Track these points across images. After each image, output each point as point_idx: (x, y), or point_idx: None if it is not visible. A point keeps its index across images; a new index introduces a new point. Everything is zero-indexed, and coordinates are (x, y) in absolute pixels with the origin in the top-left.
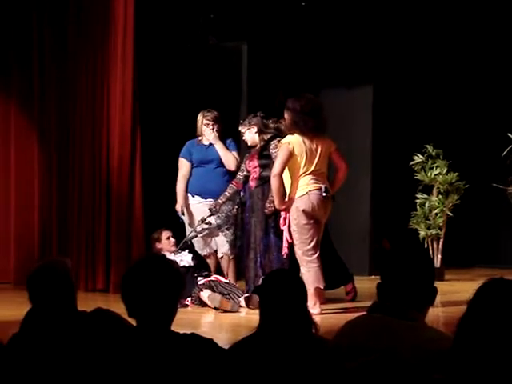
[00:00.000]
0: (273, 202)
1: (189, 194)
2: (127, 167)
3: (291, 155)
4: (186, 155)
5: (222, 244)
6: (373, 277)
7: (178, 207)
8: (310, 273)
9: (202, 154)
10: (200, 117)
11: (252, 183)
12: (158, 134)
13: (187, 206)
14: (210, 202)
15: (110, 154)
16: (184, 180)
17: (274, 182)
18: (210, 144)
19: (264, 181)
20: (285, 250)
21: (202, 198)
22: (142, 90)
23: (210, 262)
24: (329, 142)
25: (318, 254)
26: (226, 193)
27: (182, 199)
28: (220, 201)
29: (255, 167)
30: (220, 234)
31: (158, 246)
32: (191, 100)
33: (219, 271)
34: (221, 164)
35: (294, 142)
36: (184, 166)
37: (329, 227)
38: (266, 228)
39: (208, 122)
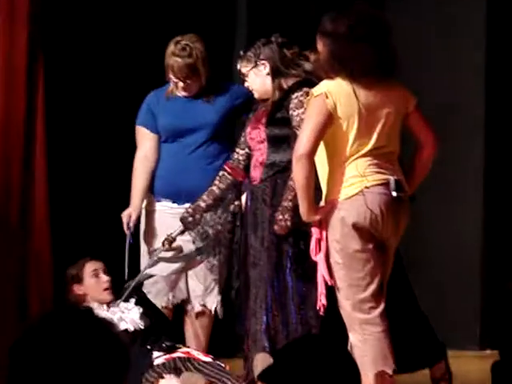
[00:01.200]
0: (291, 210)
1: (152, 196)
2: (19, 141)
3: (330, 119)
4: (146, 120)
5: (198, 287)
6: (487, 352)
7: (126, 216)
8: (367, 344)
9: (178, 117)
10: (171, 47)
11: (254, 173)
12: (85, 82)
13: (148, 214)
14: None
15: None
16: (144, 165)
17: (297, 171)
18: (191, 96)
19: (277, 169)
20: (321, 302)
21: (175, 202)
22: None
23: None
24: (404, 94)
25: (382, 308)
26: (214, 187)
27: (137, 201)
28: (202, 203)
29: (261, 141)
30: (198, 266)
31: (79, 290)
32: (156, 25)
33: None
34: (216, 136)
35: (336, 92)
36: (144, 139)
37: (403, 257)
38: (277, 260)
39: (180, 53)
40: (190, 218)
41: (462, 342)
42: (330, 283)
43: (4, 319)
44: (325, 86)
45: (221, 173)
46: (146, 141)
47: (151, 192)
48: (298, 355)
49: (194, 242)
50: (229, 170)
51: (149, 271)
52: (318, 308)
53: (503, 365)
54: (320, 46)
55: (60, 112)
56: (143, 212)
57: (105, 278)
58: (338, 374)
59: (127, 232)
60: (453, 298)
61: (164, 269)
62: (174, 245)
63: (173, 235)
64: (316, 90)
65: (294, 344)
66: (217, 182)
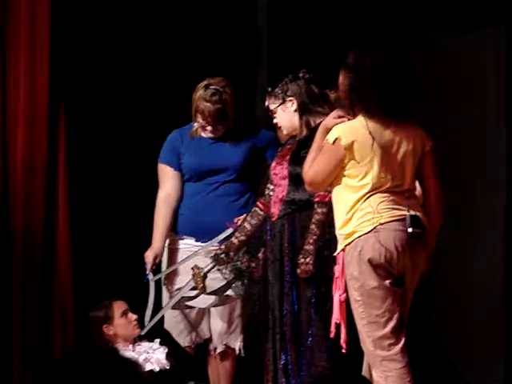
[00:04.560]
0: (313, 254)
1: (175, 235)
2: (41, 183)
3: (342, 163)
4: (170, 159)
5: (221, 326)
6: None
7: (150, 256)
8: (388, 381)
9: (203, 158)
10: (200, 92)
11: (274, 209)
12: (108, 124)
13: (171, 252)
14: (212, 248)
15: (8, 160)
16: (167, 205)
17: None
18: (216, 138)
19: (294, 207)
20: (332, 332)
21: (198, 240)
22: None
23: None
24: (420, 134)
25: (402, 344)
26: (245, 223)
27: (161, 242)
28: (234, 239)
29: (283, 177)
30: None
31: (110, 331)
32: (177, 65)
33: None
34: (239, 176)
35: (350, 133)
36: (167, 177)
37: (423, 294)
38: (297, 299)
39: (211, 99)
40: (223, 255)
41: (486, 379)
42: (337, 321)
43: (27, 357)
44: (337, 130)
45: (253, 209)
46: (169, 179)
47: (173, 230)
48: None
49: (225, 279)
50: (260, 206)
51: (190, 303)
52: (341, 345)
53: None
54: (341, 77)
55: (81, 151)
56: (165, 250)
57: (133, 316)
58: None
59: (150, 271)
60: (476, 334)
61: (202, 301)
62: (199, 284)
63: (204, 271)
64: (330, 137)
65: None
66: (248, 218)
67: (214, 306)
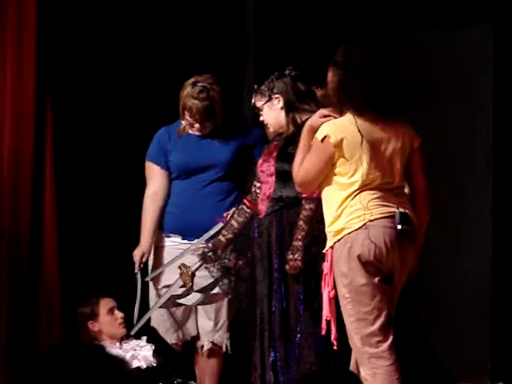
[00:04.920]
0: (301, 250)
1: (161, 232)
2: (28, 178)
3: (332, 160)
4: (157, 157)
5: (207, 324)
6: None
7: (138, 255)
8: (376, 379)
9: (191, 155)
10: (188, 89)
11: (261, 206)
12: (95, 120)
13: (157, 250)
14: (200, 246)
15: None
16: (154, 203)
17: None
18: (204, 135)
19: (282, 204)
20: (323, 329)
21: (184, 238)
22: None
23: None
24: (409, 132)
25: (390, 342)
26: (232, 221)
27: (148, 240)
28: (222, 237)
29: (270, 174)
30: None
31: (95, 327)
32: (164, 63)
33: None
34: (227, 174)
35: (339, 131)
36: (154, 176)
37: (411, 292)
38: (285, 295)
39: (199, 96)
40: (211, 253)
41: (473, 375)
42: (327, 318)
43: (12, 350)
44: (326, 128)
45: (240, 206)
46: (156, 177)
47: (160, 228)
48: None
49: (213, 277)
50: (247, 203)
51: (183, 301)
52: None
53: None
54: (330, 74)
55: (69, 146)
56: (152, 248)
57: (120, 314)
58: None
59: (138, 269)
60: (464, 331)
61: (190, 299)
62: (187, 283)
63: (192, 270)
64: (319, 134)
65: (307, 378)
66: (235, 216)
67: (200, 304)
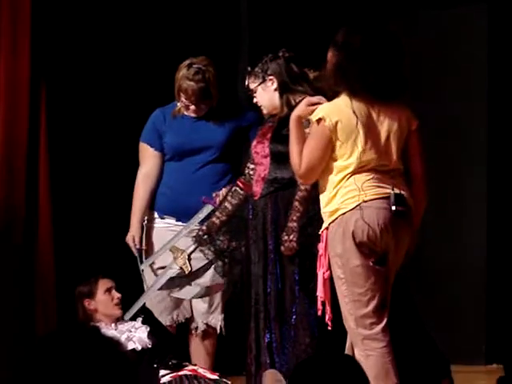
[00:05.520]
0: (297, 231)
1: (155, 214)
2: (22, 163)
3: (330, 142)
4: (151, 138)
5: (201, 306)
6: (493, 366)
7: (130, 239)
8: (369, 360)
9: (185, 136)
10: (183, 71)
11: (256, 187)
12: (90, 103)
13: (148, 231)
14: (194, 228)
15: None
16: (145, 184)
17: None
18: (199, 117)
19: (277, 186)
20: (319, 309)
21: (179, 220)
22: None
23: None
24: (407, 114)
25: (384, 324)
26: (226, 203)
27: (137, 223)
28: (216, 220)
29: (265, 156)
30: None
31: (90, 305)
32: (159, 46)
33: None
34: (222, 155)
35: (334, 113)
36: (148, 157)
37: (406, 275)
38: (280, 277)
39: (194, 78)
40: (205, 236)
41: (468, 357)
42: (322, 299)
43: (9, 335)
44: (321, 110)
45: (233, 188)
46: (149, 158)
47: (151, 208)
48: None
49: (208, 259)
50: (241, 185)
51: (175, 295)
52: (327, 323)
53: (509, 379)
54: (329, 55)
55: (63, 129)
56: (144, 229)
57: (117, 294)
58: None
59: (137, 253)
60: (459, 313)
61: (188, 292)
62: (181, 264)
63: (187, 252)
64: (314, 116)
65: (302, 365)
66: (229, 198)
67: (198, 297)
